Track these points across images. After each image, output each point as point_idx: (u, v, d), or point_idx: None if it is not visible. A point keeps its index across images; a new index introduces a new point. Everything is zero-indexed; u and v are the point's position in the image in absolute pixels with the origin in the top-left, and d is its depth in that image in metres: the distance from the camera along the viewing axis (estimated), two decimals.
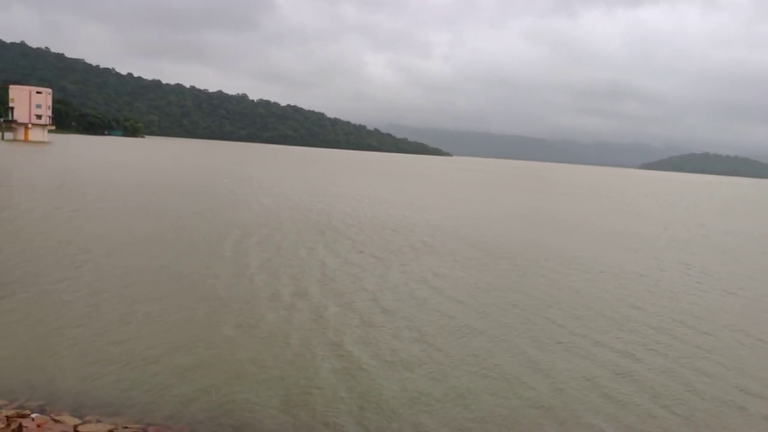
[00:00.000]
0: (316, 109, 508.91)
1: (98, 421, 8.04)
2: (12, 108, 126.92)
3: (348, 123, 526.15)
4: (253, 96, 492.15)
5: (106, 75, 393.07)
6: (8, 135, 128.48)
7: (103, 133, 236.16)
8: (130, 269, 16.69)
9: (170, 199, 35.20)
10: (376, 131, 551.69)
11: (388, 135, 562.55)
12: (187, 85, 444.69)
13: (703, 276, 21.86)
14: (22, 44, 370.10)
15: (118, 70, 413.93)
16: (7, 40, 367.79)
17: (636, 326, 14.32)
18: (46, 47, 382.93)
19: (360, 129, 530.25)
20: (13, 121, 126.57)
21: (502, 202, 52.66)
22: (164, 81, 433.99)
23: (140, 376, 9.54)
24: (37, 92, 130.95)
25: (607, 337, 13.34)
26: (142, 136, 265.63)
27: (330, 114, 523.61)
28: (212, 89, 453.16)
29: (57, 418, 7.95)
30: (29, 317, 12.02)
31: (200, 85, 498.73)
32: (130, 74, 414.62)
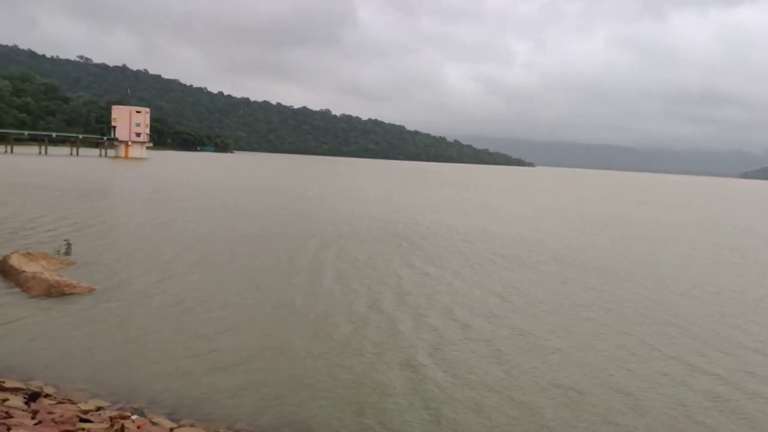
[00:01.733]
0: (396, 122, 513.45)
1: (192, 425, 8.27)
2: (114, 127, 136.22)
3: (428, 135, 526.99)
4: (336, 111, 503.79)
5: (199, 94, 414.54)
6: (111, 152, 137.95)
7: (196, 149, 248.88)
8: (214, 278, 17.30)
9: (255, 209, 36.38)
10: (456, 143, 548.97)
11: (469, 146, 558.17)
12: (274, 102, 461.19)
13: None
14: (124, 67, 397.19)
15: (209, 89, 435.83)
16: (111, 63, 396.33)
17: (735, 348, 13.21)
18: (144, 69, 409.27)
19: (440, 141, 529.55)
20: (115, 139, 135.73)
21: (589, 213, 50.77)
22: (252, 98, 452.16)
23: (224, 382, 9.77)
24: (137, 112, 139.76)
25: (702, 359, 12.36)
26: (232, 152, 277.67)
27: (410, 126, 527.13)
28: (297, 105, 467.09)
29: (155, 420, 8.24)
30: (125, 322, 12.65)
31: (286, 102, 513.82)
32: (220, 93, 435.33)
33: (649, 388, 10.63)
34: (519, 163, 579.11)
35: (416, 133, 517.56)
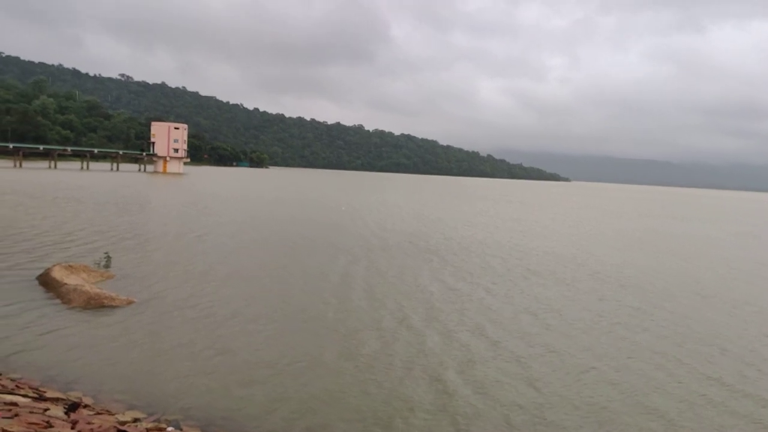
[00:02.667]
0: (429, 137, 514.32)
1: None
2: (153, 143, 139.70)
3: (460, 150, 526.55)
4: (369, 126, 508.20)
5: (235, 110, 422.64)
6: (149, 167, 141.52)
7: (232, 164, 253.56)
8: (247, 291, 17.51)
9: (288, 223, 36.73)
10: (490, 157, 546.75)
11: (502, 161, 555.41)
12: (308, 118, 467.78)
13: None
14: (163, 84, 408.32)
15: (245, 105, 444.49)
16: (150, 81, 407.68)
17: None
18: (183, 87, 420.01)
19: (473, 155, 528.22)
20: (154, 155, 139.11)
21: (625, 228, 49.83)
22: (287, 115, 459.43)
23: (257, 395, 9.88)
24: (175, 128, 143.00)
25: (743, 381, 11.98)
26: (267, 167, 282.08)
27: (443, 141, 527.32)
28: (331, 121, 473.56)
29: None
30: (161, 334, 12.90)
31: (320, 118, 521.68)
32: (256, 109, 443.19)
33: (687, 410, 10.36)
34: (554, 177, 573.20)
35: (449, 147, 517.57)
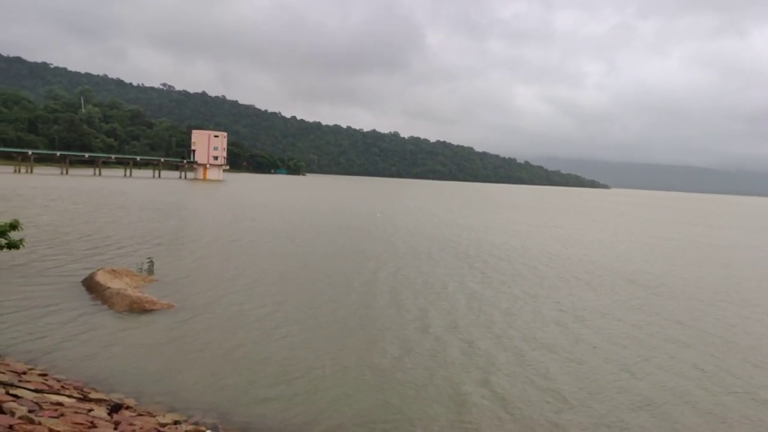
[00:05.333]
0: (465, 144, 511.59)
1: None
2: (194, 150, 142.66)
3: (497, 156, 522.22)
4: (404, 133, 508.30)
5: (273, 119, 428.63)
6: (190, 174, 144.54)
7: (269, 172, 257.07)
8: (287, 296, 17.59)
9: (327, 230, 36.93)
10: (527, 164, 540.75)
11: (540, 167, 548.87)
12: (344, 126, 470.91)
13: None
14: (203, 94, 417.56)
15: (283, 113, 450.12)
16: (191, 90, 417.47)
17: None
18: (222, 96, 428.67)
19: (509, 162, 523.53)
20: (195, 162, 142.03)
21: (667, 236, 48.53)
22: (323, 122, 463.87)
23: (293, 400, 9.86)
24: (215, 136, 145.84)
25: None
26: (304, 174, 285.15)
27: (478, 148, 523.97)
28: (366, 129, 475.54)
29: None
30: (201, 339, 13.03)
31: (355, 125, 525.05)
32: (293, 117, 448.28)
33: (734, 413, 9.93)
34: (592, 184, 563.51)
35: (485, 154, 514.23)
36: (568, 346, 13.88)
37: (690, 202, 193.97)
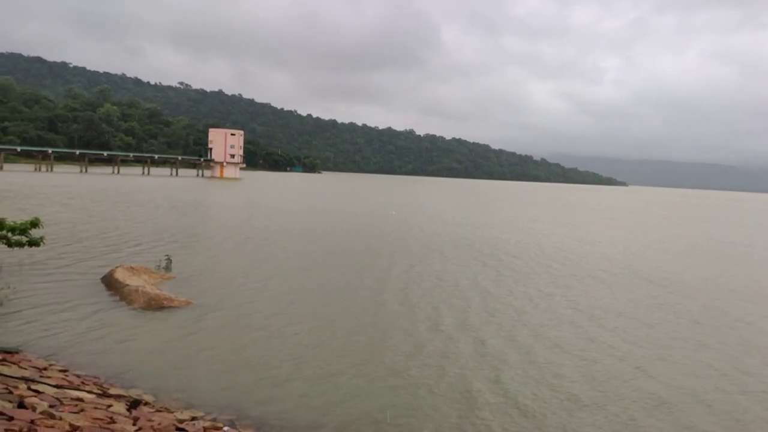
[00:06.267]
0: (481, 141, 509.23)
1: None
2: (211, 148, 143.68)
3: (513, 154, 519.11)
4: (420, 131, 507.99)
5: (289, 117, 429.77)
6: (207, 172, 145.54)
7: (285, 170, 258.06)
8: (300, 294, 17.72)
9: (342, 227, 37.10)
10: (543, 161, 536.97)
11: (556, 165, 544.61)
12: (359, 124, 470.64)
13: None
14: (220, 92, 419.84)
15: (299, 112, 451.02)
16: (208, 89, 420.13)
17: None
18: (239, 94, 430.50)
19: (526, 159, 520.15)
20: (212, 160, 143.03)
21: (686, 235, 48.02)
22: (339, 120, 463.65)
23: (309, 397, 9.94)
24: (231, 134, 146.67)
25: None
26: (319, 172, 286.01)
27: (494, 146, 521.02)
28: (382, 126, 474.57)
29: None
30: (218, 336, 13.19)
31: (371, 123, 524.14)
32: (309, 115, 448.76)
33: (753, 415, 9.84)
34: (610, 182, 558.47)
35: (501, 152, 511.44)
36: (582, 345, 13.83)
37: (709, 199, 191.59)
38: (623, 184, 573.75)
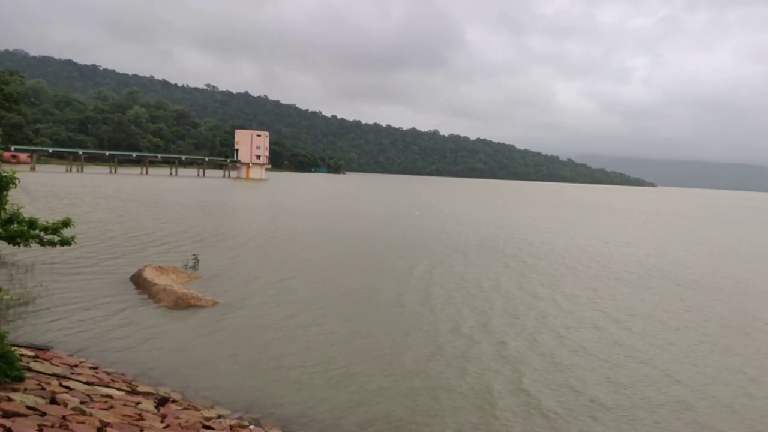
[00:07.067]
0: (506, 142, 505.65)
1: None
2: (237, 149, 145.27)
3: (538, 154, 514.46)
4: (444, 131, 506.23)
5: (314, 118, 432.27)
6: (233, 173, 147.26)
7: (310, 170, 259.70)
8: (326, 294, 17.85)
9: (365, 227, 37.21)
10: (570, 162, 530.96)
11: (583, 165, 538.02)
12: (384, 124, 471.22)
13: None
14: (246, 94, 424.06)
15: (324, 113, 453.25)
16: (234, 91, 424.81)
17: None
18: (265, 95, 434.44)
19: (552, 160, 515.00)
20: (238, 161, 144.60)
21: (716, 236, 47.09)
22: (363, 121, 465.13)
23: (335, 397, 10.01)
24: (257, 135, 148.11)
25: None
26: (344, 173, 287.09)
27: (520, 146, 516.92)
28: (406, 127, 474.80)
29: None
30: (244, 335, 13.36)
31: (395, 124, 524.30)
32: (334, 116, 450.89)
33: None
34: (638, 182, 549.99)
35: (526, 152, 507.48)
36: (607, 349, 13.69)
37: (742, 200, 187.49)
38: (651, 184, 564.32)
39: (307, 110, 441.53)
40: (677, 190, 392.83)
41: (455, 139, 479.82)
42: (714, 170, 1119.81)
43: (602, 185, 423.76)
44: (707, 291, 21.89)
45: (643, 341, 14.51)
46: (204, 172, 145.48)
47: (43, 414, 6.77)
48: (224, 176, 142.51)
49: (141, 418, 7.69)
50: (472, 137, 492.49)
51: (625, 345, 14.10)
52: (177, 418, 8.10)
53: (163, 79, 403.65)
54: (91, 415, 7.17)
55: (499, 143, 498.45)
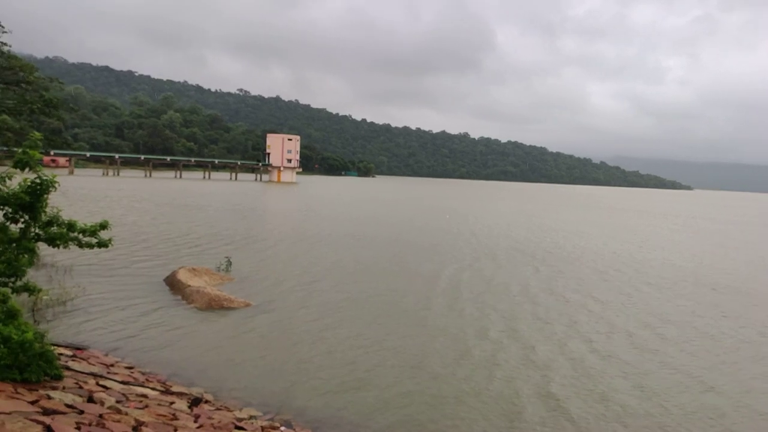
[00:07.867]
0: (538, 144, 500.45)
1: None
2: (268, 153, 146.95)
3: (571, 156, 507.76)
4: (474, 134, 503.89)
5: (344, 122, 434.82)
6: (265, 176, 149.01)
7: (340, 174, 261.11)
8: (355, 297, 17.96)
9: (393, 230, 37.25)
10: (603, 164, 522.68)
11: (617, 168, 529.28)
12: (413, 127, 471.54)
13: None
14: (277, 98, 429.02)
15: (354, 116, 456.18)
16: (266, 95, 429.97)
17: None
18: (296, 100, 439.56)
19: (584, 162, 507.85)
20: (269, 165, 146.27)
21: (755, 242, 45.83)
22: (393, 125, 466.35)
23: (364, 400, 10.07)
24: (288, 139, 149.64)
25: None
26: (373, 176, 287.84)
27: (552, 148, 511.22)
28: (436, 130, 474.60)
29: None
30: (276, 336, 13.55)
31: (425, 127, 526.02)
32: (364, 120, 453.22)
33: None
34: (674, 185, 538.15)
35: (558, 154, 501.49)
36: (639, 355, 13.49)
37: None
38: (687, 187, 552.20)
39: (338, 114, 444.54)
40: (714, 194, 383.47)
41: (485, 142, 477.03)
42: (753, 173, 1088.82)
43: (636, 188, 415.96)
44: (744, 297, 21.36)
45: (676, 348, 14.26)
46: (236, 176, 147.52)
47: (81, 412, 6.98)
48: (256, 180, 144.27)
49: (175, 417, 7.87)
50: (503, 140, 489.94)
51: (657, 351, 13.87)
52: (210, 418, 8.27)
53: (197, 85, 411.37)
54: (126, 414, 7.36)
55: (530, 146, 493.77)
